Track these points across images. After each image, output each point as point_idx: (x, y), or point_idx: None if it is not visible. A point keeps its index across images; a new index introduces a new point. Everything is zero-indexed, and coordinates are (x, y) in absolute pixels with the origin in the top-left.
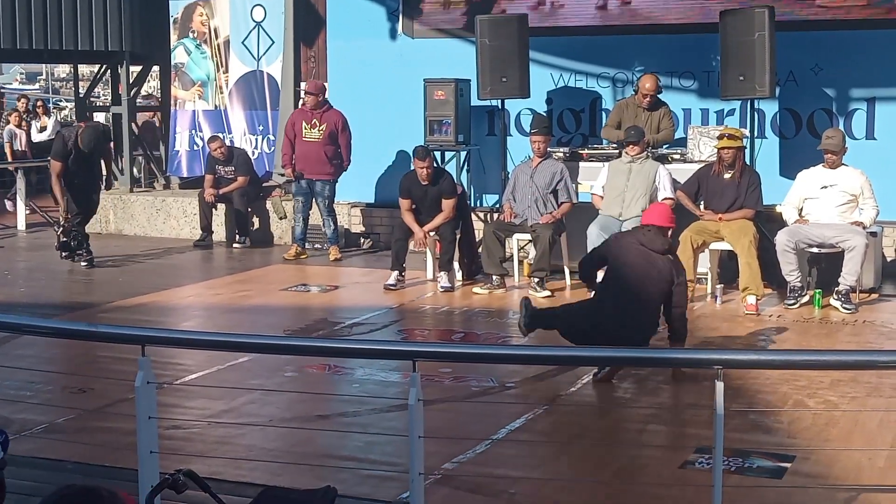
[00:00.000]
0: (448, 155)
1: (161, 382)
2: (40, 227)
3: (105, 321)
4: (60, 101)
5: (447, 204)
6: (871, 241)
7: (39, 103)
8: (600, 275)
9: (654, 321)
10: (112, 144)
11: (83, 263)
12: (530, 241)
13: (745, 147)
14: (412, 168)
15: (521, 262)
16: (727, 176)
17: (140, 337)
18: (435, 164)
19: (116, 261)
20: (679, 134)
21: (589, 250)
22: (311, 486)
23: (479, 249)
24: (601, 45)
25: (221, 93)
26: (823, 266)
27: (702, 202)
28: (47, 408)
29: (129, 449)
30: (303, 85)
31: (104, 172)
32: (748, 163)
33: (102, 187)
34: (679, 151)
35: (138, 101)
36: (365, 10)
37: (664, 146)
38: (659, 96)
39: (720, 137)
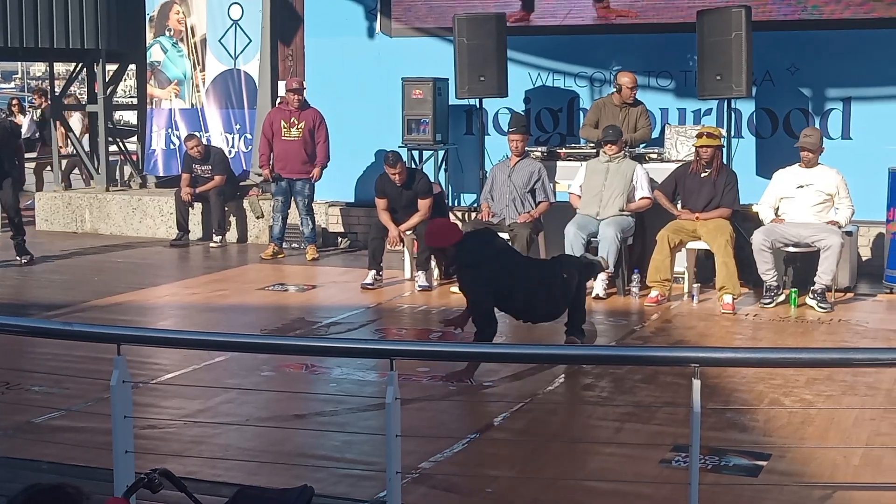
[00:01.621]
0: (426, 154)
1: (137, 382)
2: None
3: (81, 320)
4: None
5: (423, 204)
6: (847, 241)
7: (15, 102)
8: None
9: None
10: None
11: None
12: (508, 240)
13: (723, 146)
14: None
15: None
16: (704, 175)
17: (116, 336)
18: (409, 166)
19: (88, 259)
20: (656, 133)
21: (566, 250)
22: (288, 486)
23: None
24: (579, 44)
25: (198, 91)
26: (799, 265)
27: (679, 201)
28: (22, 407)
29: (105, 448)
30: (284, 84)
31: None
32: (725, 162)
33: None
34: (656, 151)
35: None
36: (343, 9)
37: (641, 145)
38: (636, 95)
39: (699, 136)
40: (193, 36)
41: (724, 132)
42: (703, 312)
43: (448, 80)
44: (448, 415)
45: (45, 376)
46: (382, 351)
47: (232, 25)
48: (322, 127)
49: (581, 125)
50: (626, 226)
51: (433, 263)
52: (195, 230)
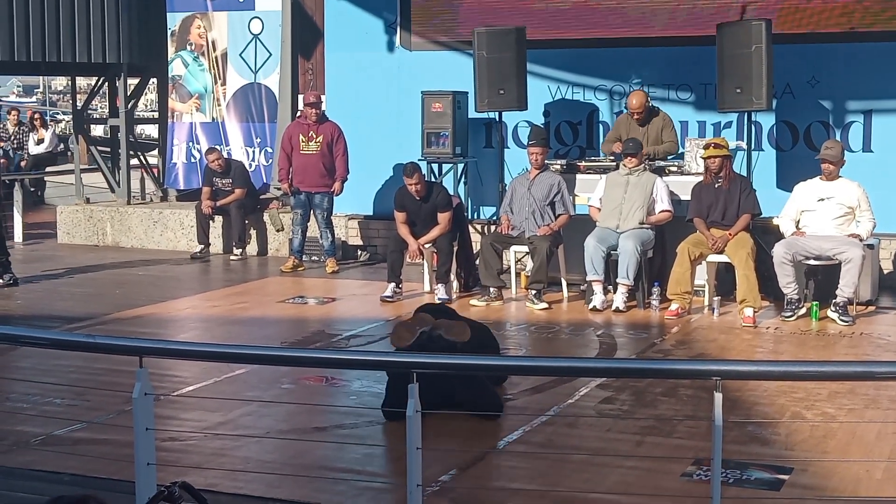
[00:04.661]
0: (446, 167)
1: (158, 394)
2: (37, 240)
3: (102, 333)
4: (58, 113)
5: (442, 217)
6: (868, 254)
7: (37, 116)
8: None
9: None
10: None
11: None
12: (527, 253)
13: (732, 156)
14: None
15: (518, 274)
16: (717, 185)
17: (138, 348)
18: (428, 179)
19: (109, 272)
20: None
21: (586, 263)
22: (310, 500)
23: (477, 261)
24: (598, 57)
25: (219, 105)
26: (820, 278)
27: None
28: (45, 420)
29: (126, 461)
30: (302, 97)
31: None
32: (745, 175)
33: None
34: (676, 164)
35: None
36: (363, 23)
37: (667, 158)
38: (661, 108)
39: (705, 147)
40: (214, 50)
41: (738, 144)
42: (723, 325)
43: (468, 93)
44: (468, 427)
45: (67, 389)
46: (402, 363)
47: (252, 40)
48: (340, 140)
49: (603, 140)
50: (646, 238)
51: (452, 276)
52: (216, 243)
